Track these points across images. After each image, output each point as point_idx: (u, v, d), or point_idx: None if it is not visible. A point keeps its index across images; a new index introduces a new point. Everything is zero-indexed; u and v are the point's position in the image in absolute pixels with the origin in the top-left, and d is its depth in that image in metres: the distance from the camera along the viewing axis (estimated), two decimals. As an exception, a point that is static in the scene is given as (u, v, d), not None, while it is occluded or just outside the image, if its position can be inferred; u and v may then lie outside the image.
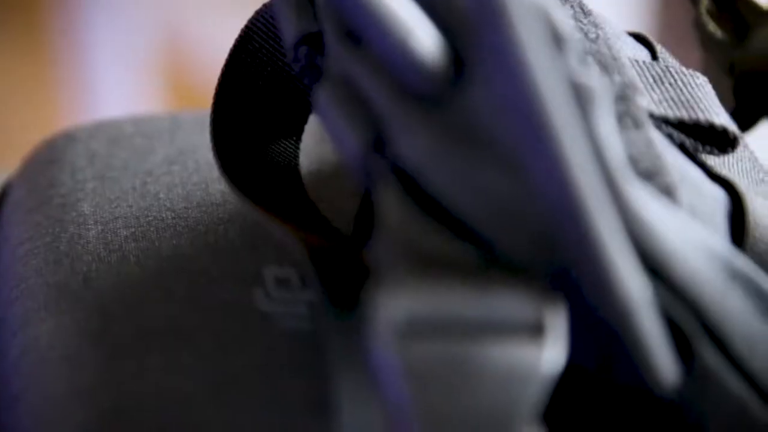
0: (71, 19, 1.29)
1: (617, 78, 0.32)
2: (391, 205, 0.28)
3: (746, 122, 0.40)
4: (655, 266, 0.28)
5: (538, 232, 0.27)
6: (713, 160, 0.33)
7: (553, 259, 0.27)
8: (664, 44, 0.36)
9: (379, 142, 0.29)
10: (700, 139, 0.33)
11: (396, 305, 0.26)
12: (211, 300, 0.33)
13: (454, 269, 0.27)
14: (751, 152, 0.36)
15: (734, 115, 0.40)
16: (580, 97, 0.27)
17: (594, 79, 0.28)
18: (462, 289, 0.27)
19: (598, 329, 0.28)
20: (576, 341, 0.28)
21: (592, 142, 0.27)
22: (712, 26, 0.39)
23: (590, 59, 0.32)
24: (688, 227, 0.29)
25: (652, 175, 0.30)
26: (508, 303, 0.27)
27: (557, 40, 0.28)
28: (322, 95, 0.30)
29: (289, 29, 0.32)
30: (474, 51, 0.28)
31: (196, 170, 0.37)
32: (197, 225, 0.35)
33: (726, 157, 0.33)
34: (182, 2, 1.33)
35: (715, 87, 0.40)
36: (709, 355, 0.28)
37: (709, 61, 0.41)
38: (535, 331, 0.27)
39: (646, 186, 0.29)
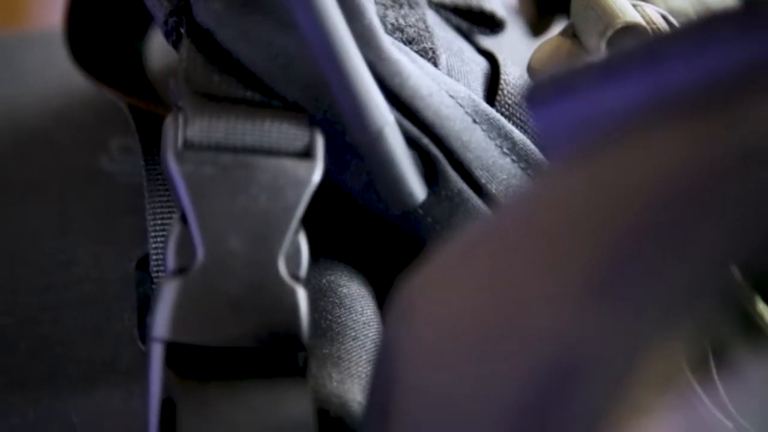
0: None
1: None
2: (185, 57, 0.34)
3: (544, 26, 0.46)
4: (403, 101, 0.34)
5: (309, 77, 0.34)
6: (489, 42, 0.39)
7: (321, 98, 0.34)
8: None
9: (179, 10, 0.35)
10: (474, 22, 0.39)
11: (178, 129, 0.32)
12: (63, 162, 0.39)
13: (235, 106, 0.33)
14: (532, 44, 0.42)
15: (535, 26, 0.47)
16: None
17: None
18: (240, 121, 0.33)
19: (360, 159, 0.34)
20: (342, 170, 0.35)
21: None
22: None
23: None
24: (440, 78, 0.35)
25: (414, 41, 0.36)
26: (282, 132, 0.33)
27: None
28: None
29: None
30: None
31: (66, 69, 0.43)
32: (60, 108, 0.41)
33: (501, 41, 0.40)
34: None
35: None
36: (454, 178, 0.34)
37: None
38: (304, 154, 0.33)
39: (406, 48, 0.35)
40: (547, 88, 0.26)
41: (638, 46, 0.24)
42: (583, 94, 0.25)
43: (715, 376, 0.33)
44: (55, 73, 0.43)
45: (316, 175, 0.33)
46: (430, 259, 0.27)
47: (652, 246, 0.20)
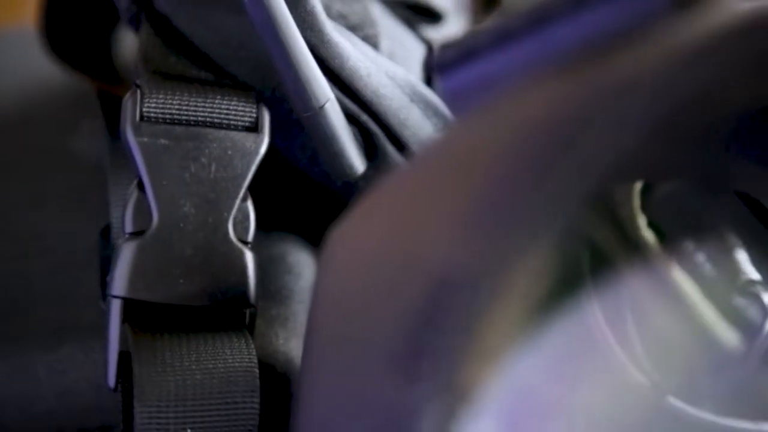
0: None
1: None
2: (144, 39, 0.37)
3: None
4: (343, 80, 0.37)
5: (258, 58, 0.37)
6: (432, 32, 0.42)
7: (269, 78, 0.37)
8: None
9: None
10: (418, 13, 0.42)
11: (135, 105, 0.35)
12: (37, 144, 0.42)
13: (189, 84, 0.36)
14: None
15: (480, 20, 0.50)
16: None
17: None
18: (193, 97, 0.36)
19: (305, 134, 0.37)
20: (289, 144, 0.38)
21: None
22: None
23: None
24: (380, 61, 0.38)
25: (357, 27, 0.39)
26: (231, 108, 0.36)
27: None
28: None
29: None
30: None
31: (41, 63, 0.47)
32: (36, 96, 0.44)
33: (443, 32, 0.43)
34: None
35: None
36: (392, 153, 0.37)
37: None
38: (252, 128, 0.36)
39: (350, 33, 0.38)
40: (452, 54, 0.29)
41: (528, 11, 0.27)
42: (483, 56, 0.28)
43: (630, 329, 0.35)
44: (32, 66, 0.46)
45: (263, 147, 0.36)
46: (350, 211, 0.30)
47: (516, 181, 0.23)
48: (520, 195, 0.23)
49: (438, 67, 0.29)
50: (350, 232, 0.28)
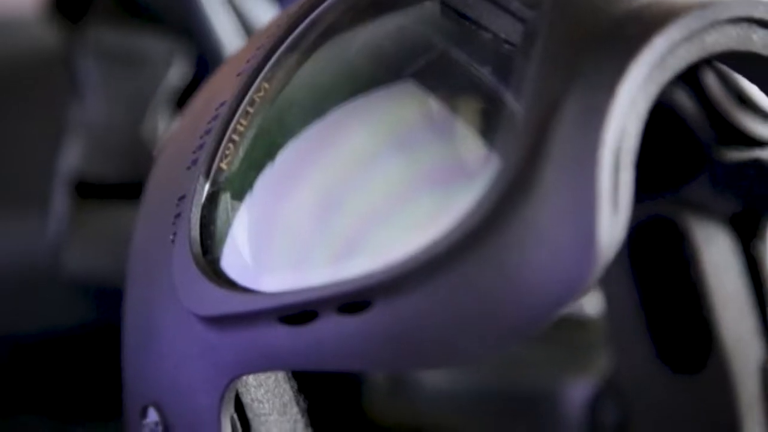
0: None
1: None
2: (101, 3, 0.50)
3: None
4: (246, 23, 0.49)
5: (183, 9, 0.49)
6: None
7: (189, 23, 0.49)
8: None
9: None
10: None
11: (90, 41, 0.48)
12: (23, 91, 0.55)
13: (129, 26, 0.49)
14: None
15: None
16: None
17: None
18: (131, 35, 0.49)
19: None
20: (205, 74, 0.50)
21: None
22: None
23: None
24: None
25: None
26: (157, 43, 0.49)
27: None
28: None
29: None
30: None
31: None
32: (18, 31, 0.57)
33: None
34: None
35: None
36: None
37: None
38: (169, 58, 0.49)
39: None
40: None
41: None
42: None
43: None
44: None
45: (174, 70, 0.48)
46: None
47: (269, 47, 0.34)
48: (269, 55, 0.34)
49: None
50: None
